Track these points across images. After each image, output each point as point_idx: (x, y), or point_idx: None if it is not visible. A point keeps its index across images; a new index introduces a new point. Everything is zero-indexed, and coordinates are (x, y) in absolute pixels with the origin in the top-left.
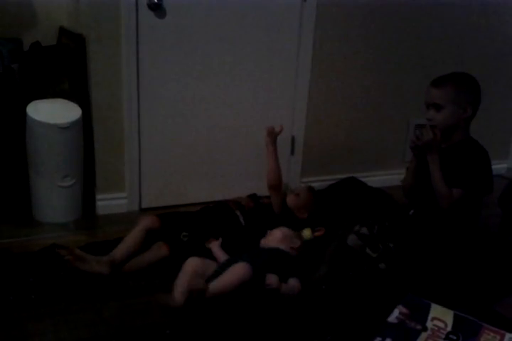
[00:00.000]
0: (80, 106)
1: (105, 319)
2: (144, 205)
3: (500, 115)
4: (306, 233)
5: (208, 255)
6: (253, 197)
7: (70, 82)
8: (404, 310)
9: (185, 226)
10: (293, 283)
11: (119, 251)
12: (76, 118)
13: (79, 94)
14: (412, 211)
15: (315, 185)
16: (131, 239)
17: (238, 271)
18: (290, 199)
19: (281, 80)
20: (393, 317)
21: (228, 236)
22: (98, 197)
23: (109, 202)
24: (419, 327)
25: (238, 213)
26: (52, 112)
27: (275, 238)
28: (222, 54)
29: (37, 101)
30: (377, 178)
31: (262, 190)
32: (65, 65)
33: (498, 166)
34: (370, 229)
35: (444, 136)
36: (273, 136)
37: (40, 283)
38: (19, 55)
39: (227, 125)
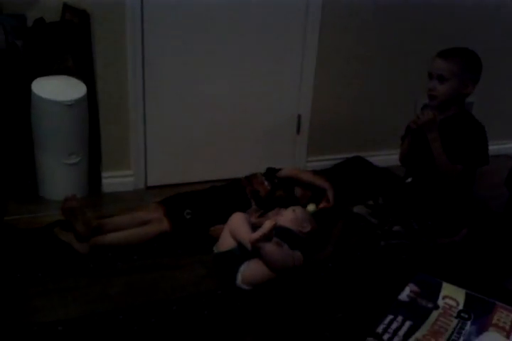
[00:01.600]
0: (84, 83)
1: (111, 295)
2: (150, 183)
3: (509, 95)
4: (311, 207)
5: (210, 236)
6: (270, 177)
7: (75, 58)
8: (415, 288)
9: (189, 204)
10: (296, 254)
11: (112, 219)
12: (81, 95)
13: (83, 71)
14: (409, 179)
15: (321, 164)
16: (129, 218)
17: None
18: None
19: (287, 59)
20: (404, 295)
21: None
22: (104, 174)
23: (115, 180)
24: (430, 305)
25: (253, 203)
26: (57, 89)
27: (287, 218)
28: (229, 33)
29: (41, 78)
30: (384, 157)
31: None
32: (70, 42)
33: (506, 146)
34: (375, 200)
35: (441, 107)
36: None
37: (46, 260)
38: (23, 32)
39: (233, 103)
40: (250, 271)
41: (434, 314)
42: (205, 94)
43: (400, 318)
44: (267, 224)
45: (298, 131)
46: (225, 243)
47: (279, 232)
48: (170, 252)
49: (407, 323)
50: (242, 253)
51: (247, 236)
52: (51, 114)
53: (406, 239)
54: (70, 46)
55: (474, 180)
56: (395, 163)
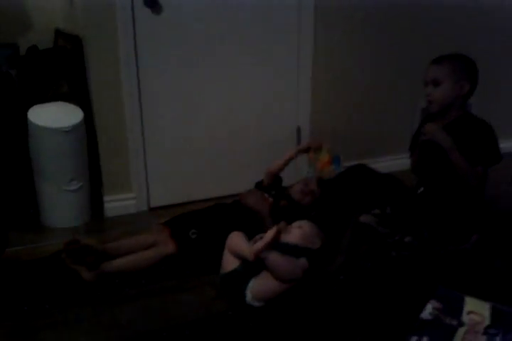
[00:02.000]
0: (81, 108)
1: (121, 323)
2: (153, 204)
3: (507, 94)
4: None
5: (217, 253)
6: (266, 190)
7: (70, 84)
8: (437, 304)
9: (194, 224)
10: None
11: (117, 243)
12: (78, 120)
13: (79, 96)
14: (421, 189)
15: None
16: (135, 241)
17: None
18: (296, 194)
19: (283, 71)
20: (427, 313)
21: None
22: (106, 198)
23: (117, 204)
24: (455, 322)
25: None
26: (53, 116)
27: (295, 235)
28: (223, 49)
29: (37, 105)
30: (386, 163)
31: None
32: (63, 68)
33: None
34: (382, 209)
35: (443, 112)
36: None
37: (52, 291)
38: (16, 60)
39: (232, 120)
40: (259, 286)
41: (460, 332)
42: (203, 112)
43: (425, 339)
44: (269, 234)
45: (298, 142)
46: (229, 264)
47: (289, 249)
48: (178, 274)
49: None
50: (246, 270)
51: (247, 249)
52: (49, 141)
53: (418, 249)
54: (64, 72)
55: (486, 181)
56: (397, 168)
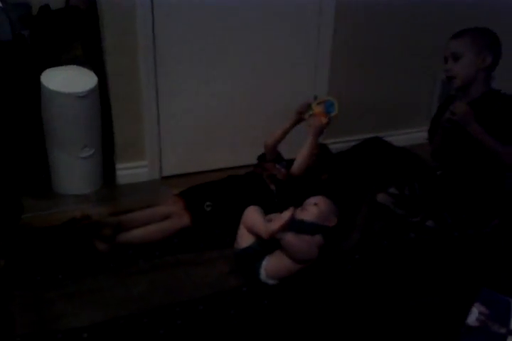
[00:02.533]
0: (95, 72)
1: (134, 296)
2: (165, 173)
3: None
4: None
5: (232, 226)
6: (276, 160)
7: (84, 47)
8: (483, 309)
9: (209, 196)
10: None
11: (132, 215)
12: (93, 85)
13: (93, 60)
14: (439, 172)
15: (339, 146)
16: (149, 213)
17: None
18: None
19: (303, 39)
20: (473, 318)
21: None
22: (118, 166)
23: (129, 171)
24: (503, 330)
25: (273, 188)
26: (67, 80)
27: (312, 213)
28: (241, 15)
29: (51, 69)
30: (404, 137)
31: (285, 154)
32: (77, 29)
33: None
34: (400, 189)
35: (464, 90)
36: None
37: (65, 261)
38: (29, 21)
39: (248, 88)
40: (273, 264)
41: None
42: (219, 80)
43: None
44: (286, 215)
45: None
46: (244, 240)
47: (304, 227)
48: (192, 247)
49: None
50: (262, 247)
51: (263, 227)
52: (63, 106)
53: (439, 234)
54: (78, 34)
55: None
56: (416, 141)
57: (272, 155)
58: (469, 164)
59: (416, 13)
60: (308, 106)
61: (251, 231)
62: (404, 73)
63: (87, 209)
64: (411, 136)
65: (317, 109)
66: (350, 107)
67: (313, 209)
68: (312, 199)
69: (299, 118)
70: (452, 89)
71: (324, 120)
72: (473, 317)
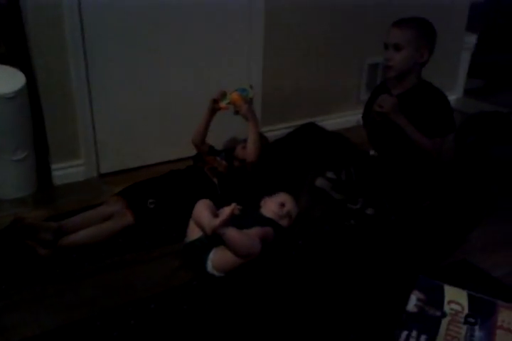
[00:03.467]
0: (21, 71)
1: (85, 300)
2: (103, 170)
3: (446, 47)
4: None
5: (177, 222)
6: (213, 152)
7: (7, 44)
8: (420, 295)
9: (151, 193)
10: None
11: (73, 219)
12: (21, 85)
13: (19, 58)
14: (372, 151)
15: (275, 133)
16: (91, 215)
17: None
18: (239, 152)
19: (235, 29)
20: (412, 304)
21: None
22: (53, 166)
23: (65, 171)
24: (438, 313)
25: (215, 181)
26: None
27: (268, 210)
28: (177, 8)
29: None
30: (336, 121)
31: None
32: None
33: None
34: (337, 174)
35: (399, 80)
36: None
37: (7, 270)
38: None
39: (182, 81)
40: (219, 257)
41: (444, 322)
42: (153, 73)
43: (414, 333)
44: (227, 210)
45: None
46: (194, 232)
47: (259, 220)
48: (138, 246)
49: (423, 337)
50: (209, 240)
51: (207, 222)
52: None
53: (377, 220)
54: (0, 31)
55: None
56: (347, 124)
57: (203, 149)
58: (400, 148)
59: (346, 2)
60: (223, 96)
61: (197, 225)
62: (334, 60)
63: (25, 213)
64: (342, 119)
65: (233, 96)
66: (284, 95)
67: (277, 207)
68: (281, 198)
69: (215, 108)
70: (385, 77)
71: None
72: (412, 303)
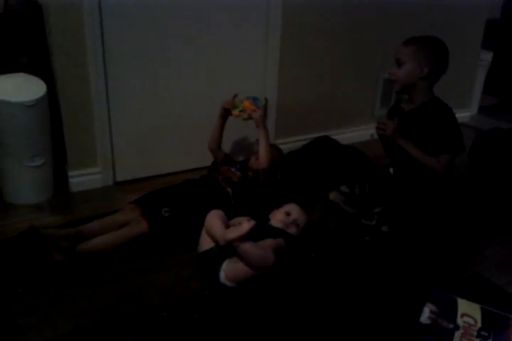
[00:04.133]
0: (42, 79)
1: (98, 306)
2: (119, 179)
3: (461, 64)
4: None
5: (190, 231)
6: (229, 163)
7: (29, 53)
8: (433, 308)
9: (166, 202)
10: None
11: (90, 225)
12: (42, 94)
13: (40, 67)
14: (391, 169)
15: (289, 146)
16: (107, 222)
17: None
18: (253, 163)
19: (252, 43)
20: (425, 317)
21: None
22: (70, 174)
23: (82, 179)
24: (451, 326)
25: (229, 190)
26: (14, 89)
27: (276, 220)
28: (192, 22)
29: None
30: (350, 135)
31: (235, 158)
32: (21, 35)
33: (461, 115)
34: (351, 188)
35: (409, 96)
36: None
37: (24, 274)
38: None
39: (200, 91)
40: (232, 268)
41: (457, 335)
42: (169, 84)
43: None
44: (245, 227)
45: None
46: (206, 243)
47: (269, 232)
48: (151, 254)
49: None
50: (222, 250)
51: (220, 234)
52: (11, 116)
53: (392, 238)
54: (23, 40)
55: (453, 168)
56: (361, 138)
57: (219, 156)
58: (413, 164)
59: (361, 15)
60: (235, 106)
61: (209, 235)
62: (349, 74)
63: (41, 218)
64: (356, 133)
65: (245, 103)
66: (298, 108)
67: (283, 216)
68: (287, 207)
69: (226, 113)
70: (395, 92)
71: (257, 109)
72: (425, 315)
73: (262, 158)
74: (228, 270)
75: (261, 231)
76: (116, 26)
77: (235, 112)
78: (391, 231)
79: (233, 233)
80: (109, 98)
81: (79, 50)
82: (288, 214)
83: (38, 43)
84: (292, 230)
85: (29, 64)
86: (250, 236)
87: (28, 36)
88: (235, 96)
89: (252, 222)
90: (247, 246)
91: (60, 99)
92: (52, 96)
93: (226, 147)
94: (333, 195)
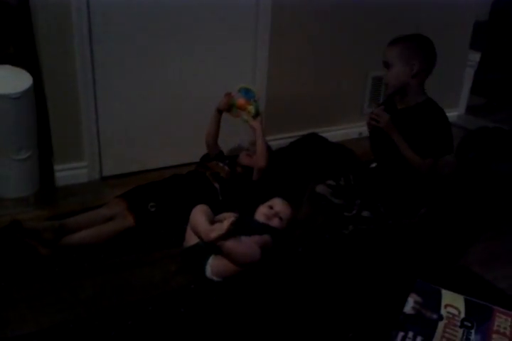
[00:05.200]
0: (29, 72)
1: (83, 300)
2: (106, 173)
3: (449, 64)
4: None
5: (177, 226)
6: (219, 158)
7: (15, 45)
8: (417, 298)
9: (152, 196)
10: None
11: (75, 218)
12: (28, 86)
13: (27, 59)
14: (374, 164)
15: (277, 142)
16: (92, 215)
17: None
18: (243, 159)
19: (241, 38)
20: (409, 307)
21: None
22: (56, 167)
23: (68, 173)
24: (435, 316)
25: (217, 186)
26: (0, 81)
27: (259, 213)
28: (181, 16)
29: None
30: (338, 132)
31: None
32: (8, 27)
33: (449, 114)
34: (337, 181)
35: (401, 95)
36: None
37: (7, 267)
38: None
39: (186, 88)
40: (218, 264)
41: (440, 325)
42: (157, 78)
43: (410, 334)
44: (225, 225)
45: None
46: (191, 238)
47: (254, 227)
48: (137, 248)
49: (419, 339)
50: (207, 246)
51: (203, 230)
52: None
53: (374, 224)
54: (10, 32)
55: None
56: (349, 136)
57: (214, 151)
58: (397, 158)
59: (351, 13)
60: (230, 102)
61: (193, 231)
62: (338, 71)
63: (26, 212)
64: (345, 131)
65: (239, 101)
66: (287, 105)
67: (266, 210)
68: (270, 202)
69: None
70: (386, 94)
71: (251, 108)
72: (409, 305)
73: (259, 157)
74: (214, 265)
75: (246, 226)
76: (103, 17)
77: (234, 114)
78: (372, 216)
79: (215, 232)
80: (96, 91)
81: (66, 43)
82: (271, 207)
83: (25, 35)
84: (275, 223)
85: (16, 55)
86: (235, 231)
87: (14, 28)
88: (228, 94)
89: (232, 218)
90: (230, 244)
91: (47, 92)
92: (38, 89)
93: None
94: (319, 188)
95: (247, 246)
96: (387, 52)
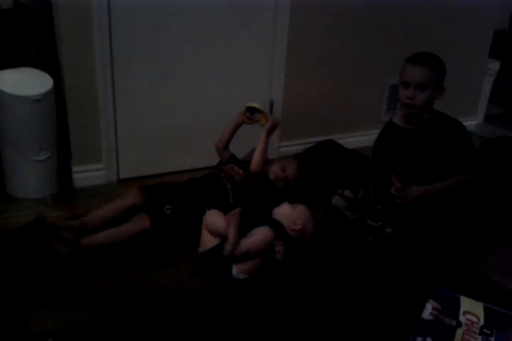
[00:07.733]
0: (50, 74)
1: (99, 300)
2: (123, 176)
3: (468, 73)
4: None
5: (192, 229)
6: (237, 163)
7: (38, 48)
8: (435, 304)
9: (169, 199)
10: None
11: (93, 216)
12: (48, 88)
13: (48, 61)
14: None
15: (293, 149)
16: (110, 209)
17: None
18: (276, 172)
19: (259, 45)
20: (427, 313)
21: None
22: (74, 169)
23: (86, 174)
24: (454, 323)
25: (229, 187)
26: (22, 83)
27: (280, 214)
28: (201, 22)
29: (4, 71)
30: (354, 139)
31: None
32: (30, 30)
33: (468, 123)
34: (354, 193)
35: (410, 116)
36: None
37: (25, 266)
38: None
39: (204, 92)
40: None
41: (459, 332)
42: (176, 83)
43: (429, 339)
44: (231, 239)
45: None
46: (208, 241)
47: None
48: (153, 250)
49: None
50: None
51: (222, 225)
52: (17, 109)
53: (395, 240)
54: (31, 34)
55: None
56: (366, 143)
57: (224, 156)
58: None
59: (369, 21)
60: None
61: (213, 233)
62: (356, 79)
63: (44, 213)
64: (361, 138)
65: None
66: (304, 112)
67: (285, 209)
68: (298, 210)
69: (242, 121)
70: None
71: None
72: (428, 312)
73: (253, 161)
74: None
75: (253, 220)
76: (124, 22)
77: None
78: (394, 233)
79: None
80: (116, 94)
81: (86, 47)
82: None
83: (47, 39)
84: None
85: (37, 59)
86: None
87: (36, 31)
88: (246, 111)
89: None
90: (247, 245)
91: (67, 94)
92: (58, 91)
93: (232, 146)
94: (335, 200)
95: (258, 238)
96: (421, 73)
